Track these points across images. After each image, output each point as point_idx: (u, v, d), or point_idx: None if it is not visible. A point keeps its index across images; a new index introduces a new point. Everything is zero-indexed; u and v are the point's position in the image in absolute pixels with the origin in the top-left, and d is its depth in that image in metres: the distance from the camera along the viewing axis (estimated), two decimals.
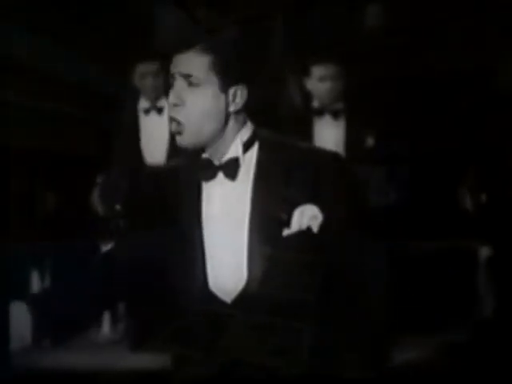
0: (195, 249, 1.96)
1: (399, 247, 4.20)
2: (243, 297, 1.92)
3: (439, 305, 4.27)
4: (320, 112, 4.31)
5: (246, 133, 1.99)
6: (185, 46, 1.94)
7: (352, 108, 4.31)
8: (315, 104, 4.34)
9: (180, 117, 1.95)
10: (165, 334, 1.97)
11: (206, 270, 1.95)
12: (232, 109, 1.97)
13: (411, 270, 4.24)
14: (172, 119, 1.96)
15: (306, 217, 1.90)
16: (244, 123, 2.00)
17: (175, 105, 1.95)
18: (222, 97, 1.96)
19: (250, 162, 1.97)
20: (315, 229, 1.89)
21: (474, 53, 4.64)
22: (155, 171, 2.21)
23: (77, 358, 4.14)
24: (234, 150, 1.98)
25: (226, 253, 1.94)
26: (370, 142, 4.26)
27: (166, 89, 4.27)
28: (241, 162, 1.97)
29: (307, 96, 4.39)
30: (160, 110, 4.44)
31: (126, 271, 2.07)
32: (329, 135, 4.28)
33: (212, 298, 1.94)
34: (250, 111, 2.02)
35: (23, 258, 4.26)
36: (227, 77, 1.95)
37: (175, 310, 2.00)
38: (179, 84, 1.95)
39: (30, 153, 4.29)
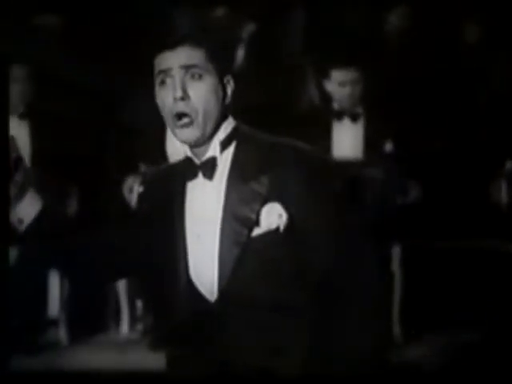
0: (178, 249, 1.95)
1: (416, 246, 4.21)
2: (220, 296, 1.91)
3: (455, 304, 4.26)
4: (339, 114, 4.31)
5: (226, 129, 1.96)
6: (179, 41, 1.92)
7: (371, 111, 4.31)
8: (335, 106, 4.34)
9: (188, 110, 1.91)
10: (159, 333, 1.98)
11: (188, 270, 1.94)
12: (227, 101, 1.96)
13: (426, 269, 4.23)
14: (178, 114, 1.91)
15: (273, 215, 1.88)
16: (226, 118, 1.97)
17: (181, 98, 1.90)
18: (220, 88, 1.94)
19: (226, 160, 1.94)
20: (281, 227, 1.87)
21: (496, 53, 4.64)
22: (154, 170, 2.20)
23: (95, 357, 4.17)
24: (213, 148, 1.95)
25: (204, 253, 1.93)
26: (389, 143, 4.25)
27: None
28: (218, 161, 1.94)
29: (327, 97, 4.39)
30: None
31: (125, 265, 2.07)
32: (347, 137, 4.28)
33: (196, 296, 1.94)
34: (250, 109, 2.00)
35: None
36: (222, 67, 1.94)
37: (165, 309, 2.00)
38: (180, 78, 1.90)
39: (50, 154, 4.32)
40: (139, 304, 4.50)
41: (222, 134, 1.95)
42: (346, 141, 4.28)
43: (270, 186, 1.88)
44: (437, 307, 4.21)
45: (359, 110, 4.31)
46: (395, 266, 4.21)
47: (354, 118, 4.30)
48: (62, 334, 4.39)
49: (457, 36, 4.69)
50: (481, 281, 4.32)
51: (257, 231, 1.88)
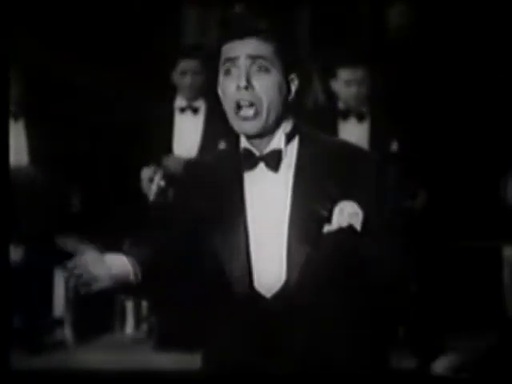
0: (240, 239, 1.94)
1: (427, 247, 4.19)
2: (282, 293, 1.90)
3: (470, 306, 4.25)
4: (345, 114, 4.30)
5: (288, 125, 1.97)
6: (249, 31, 1.92)
7: (377, 111, 4.30)
8: (341, 105, 4.33)
9: (252, 98, 1.91)
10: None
11: (250, 262, 1.93)
12: (290, 99, 1.96)
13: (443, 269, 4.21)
14: (241, 103, 1.91)
15: (347, 214, 1.88)
16: (287, 115, 1.99)
17: (245, 87, 1.90)
18: (284, 85, 1.95)
19: (291, 154, 1.95)
20: (358, 226, 1.87)
21: (498, 54, 4.63)
22: (197, 161, 2.17)
23: (100, 357, 4.17)
24: (277, 141, 1.95)
25: (268, 246, 1.92)
26: (395, 143, 4.24)
27: (208, 84, 4.33)
28: (283, 154, 1.95)
29: (332, 96, 4.38)
30: (195, 111, 4.43)
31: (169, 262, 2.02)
32: (353, 137, 4.26)
33: (252, 291, 1.92)
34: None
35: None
36: (288, 64, 1.95)
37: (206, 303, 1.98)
38: (246, 67, 1.91)
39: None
40: (144, 304, 4.50)
41: (286, 128, 1.96)
42: (352, 140, 4.25)
43: (339, 184, 1.91)
44: (442, 309, 4.20)
45: (365, 109, 4.30)
46: None
47: (360, 118, 4.29)
48: (68, 333, 4.39)
49: (465, 35, 4.68)
50: (488, 282, 4.31)
51: (327, 228, 1.89)
